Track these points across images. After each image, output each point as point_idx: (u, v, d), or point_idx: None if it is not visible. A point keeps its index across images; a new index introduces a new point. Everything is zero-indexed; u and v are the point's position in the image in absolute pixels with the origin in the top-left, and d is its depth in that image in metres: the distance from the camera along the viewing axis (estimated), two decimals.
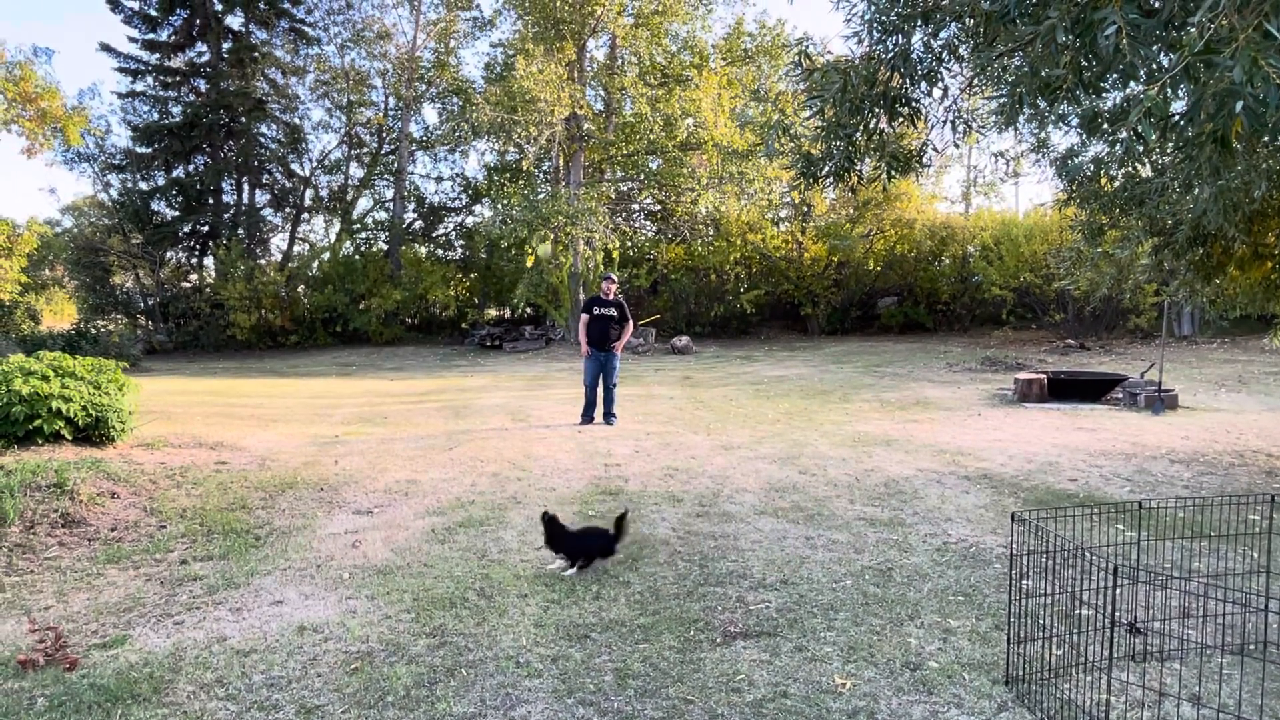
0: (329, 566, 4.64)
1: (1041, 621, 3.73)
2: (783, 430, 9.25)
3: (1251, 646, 3.52)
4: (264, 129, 26.62)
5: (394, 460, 7.57)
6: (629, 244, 25.36)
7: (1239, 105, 2.75)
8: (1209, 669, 3.32)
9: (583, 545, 4.55)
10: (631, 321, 9.97)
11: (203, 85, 25.78)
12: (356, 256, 26.54)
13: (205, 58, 25.82)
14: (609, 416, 9.62)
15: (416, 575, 4.47)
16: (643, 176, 24.59)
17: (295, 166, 28.30)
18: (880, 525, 5.41)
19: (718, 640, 3.64)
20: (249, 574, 4.51)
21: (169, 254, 25.95)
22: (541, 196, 21.43)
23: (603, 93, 23.99)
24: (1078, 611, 3.83)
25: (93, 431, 7.25)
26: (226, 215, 26.01)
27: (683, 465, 7.33)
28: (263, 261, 25.82)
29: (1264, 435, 8.73)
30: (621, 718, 2.97)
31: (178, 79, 25.76)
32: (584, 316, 9.62)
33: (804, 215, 26.62)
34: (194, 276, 26.57)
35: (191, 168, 25.77)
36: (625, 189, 25.81)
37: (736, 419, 10.15)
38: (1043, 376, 11.90)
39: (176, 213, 25.49)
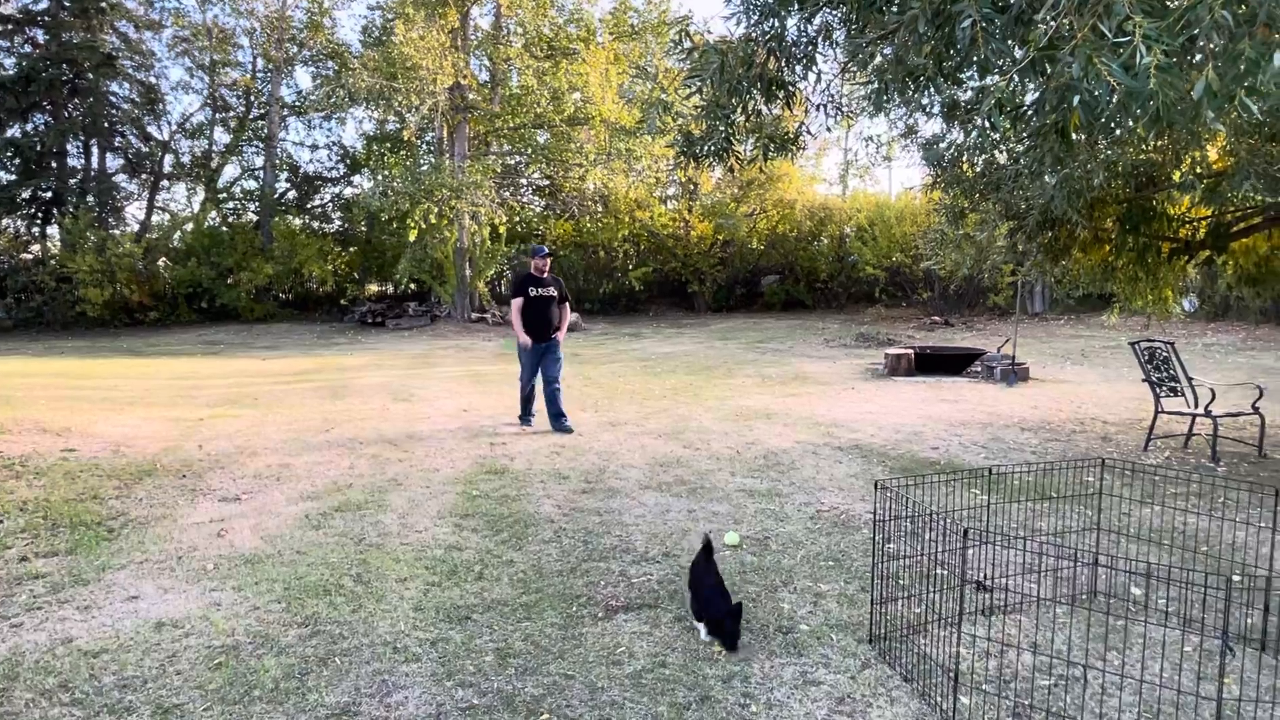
0: (191, 558, 4.39)
1: (902, 582, 3.98)
2: (669, 406, 9.39)
3: (1083, 597, 3.88)
4: (115, 87, 24.49)
5: (265, 444, 7.21)
6: (517, 219, 24.97)
7: (1076, 99, 2.96)
8: (1046, 619, 3.63)
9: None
10: (569, 303, 8.28)
11: (41, 36, 23.40)
12: (223, 228, 24.97)
13: (44, 4, 23.43)
14: (559, 420, 7.86)
15: (288, 563, 4.29)
16: (530, 151, 24.20)
17: (152, 129, 26.23)
18: (759, 496, 5.60)
19: (600, 615, 3.68)
20: (100, 569, 4.20)
21: (5, 222, 23.61)
22: (424, 168, 20.74)
23: (487, 63, 23.39)
24: (935, 572, 4.10)
25: None
26: (73, 181, 23.84)
27: (569, 442, 7.33)
28: (116, 232, 23.85)
29: (1101, 404, 9.57)
30: (501, 697, 2.97)
31: (10, 27, 23.26)
32: (517, 300, 7.82)
33: (690, 194, 26.98)
34: (36, 247, 24.25)
35: (30, 127, 23.42)
36: (512, 163, 25.34)
37: (624, 395, 10.23)
38: (910, 352, 12.58)
39: (13, 176, 23.13)
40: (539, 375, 7.95)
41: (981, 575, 4.00)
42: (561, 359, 8.02)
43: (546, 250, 8.06)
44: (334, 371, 13.30)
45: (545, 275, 7.96)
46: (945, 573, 4.05)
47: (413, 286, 25.71)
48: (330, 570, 4.18)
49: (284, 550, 4.49)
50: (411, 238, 20.67)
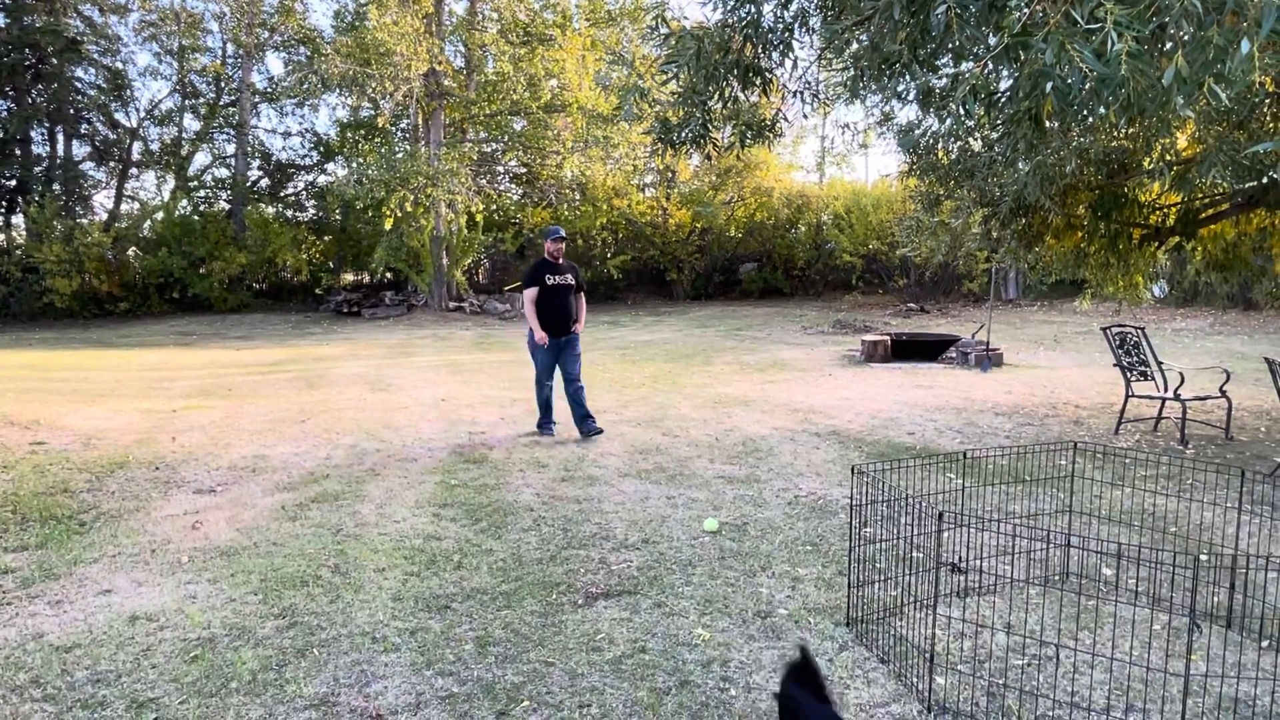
0: (165, 551, 4.33)
1: (878, 566, 4.02)
2: (648, 394, 9.40)
3: (1055, 577, 3.94)
4: (80, 73, 23.91)
5: (240, 435, 7.13)
6: (494, 207, 24.80)
7: (1049, 86, 2.98)
8: (1020, 600, 3.69)
9: None
10: (584, 292, 7.44)
11: (2, 19, 22.81)
12: (195, 216, 24.49)
13: None
14: (586, 422, 7.05)
15: (264, 555, 4.25)
16: (506, 138, 24.01)
17: (120, 116, 25.65)
18: (737, 482, 5.63)
19: (580, 602, 3.68)
20: (71, 563, 4.14)
21: None
22: (399, 156, 20.51)
23: (462, 49, 23.13)
24: (911, 555, 4.15)
25: None
26: (38, 169, 23.29)
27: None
28: (84, 221, 23.32)
29: (1073, 389, 9.71)
30: (481, 685, 2.97)
31: None
32: (531, 290, 6.96)
33: (668, 182, 26.92)
34: (1, 237, 23.70)
35: None
36: (489, 150, 25.13)
37: (603, 384, 10.22)
38: (887, 338, 12.69)
39: None
40: (557, 375, 7.17)
41: (956, 558, 4.06)
42: (580, 355, 7.24)
43: (562, 232, 7.20)
44: (309, 362, 13.16)
45: (561, 261, 7.14)
46: (921, 556, 4.10)
47: (389, 276, 25.46)
48: (307, 561, 4.15)
49: (260, 542, 4.45)
50: (387, 226, 20.45)
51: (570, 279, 7.12)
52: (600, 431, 7.07)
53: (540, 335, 6.88)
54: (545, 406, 7.21)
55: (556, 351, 7.06)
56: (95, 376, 11.16)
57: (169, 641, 3.30)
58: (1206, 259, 8.42)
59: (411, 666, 3.10)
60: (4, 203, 23.68)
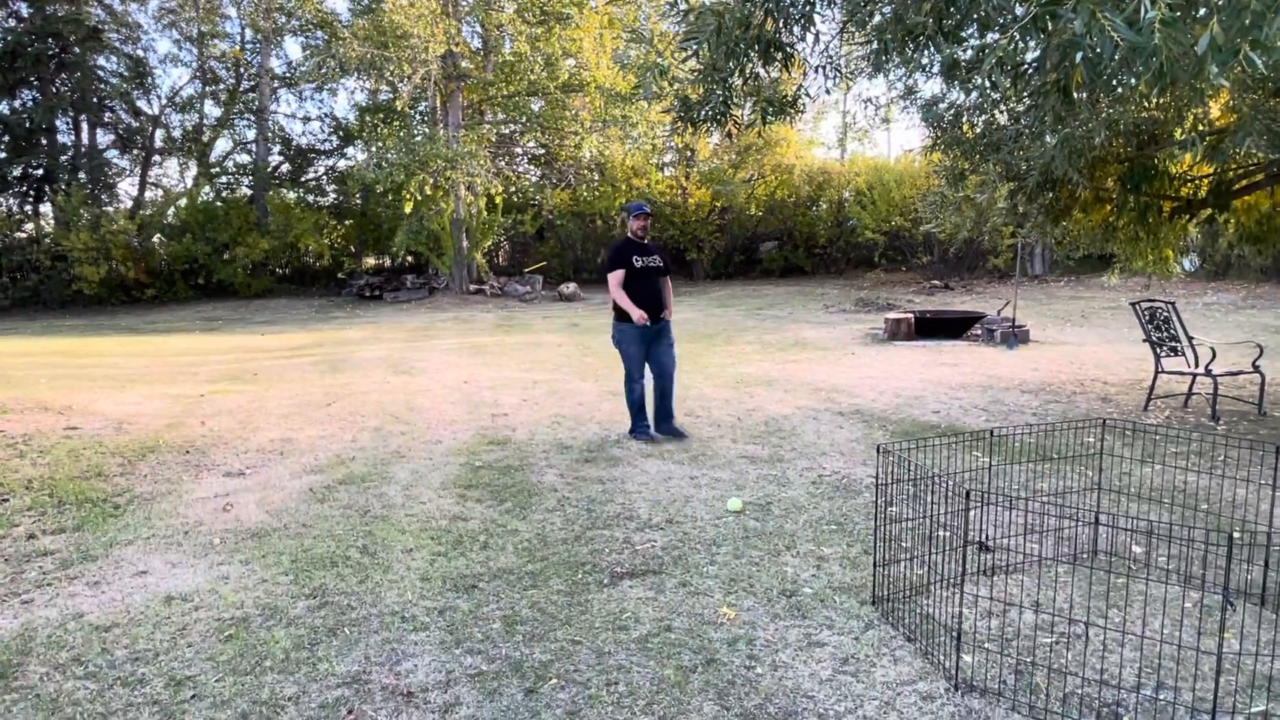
0: (198, 532, 4.42)
1: (904, 544, 4.01)
2: None
3: (1084, 556, 3.91)
4: (102, 61, 24.13)
5: (267, 418, 7.23)
6: (513, 189, 24.78)
7: (1079, 56, 2.92)
8: (1048, 578, 3.66)
9: None
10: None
11: (25, 9, 23.03)
12: (218, 203, 24.73)
13: None
14: (669, 424, 6.44)
15: (294, 536, 4.32)
16: (525, 119, 23.92)
17: (142, 104, 25.89)
18: (761, 462, 5.62)
19: (605, 581, 3.71)
20: (107, 545, 4.23)
21: None
22: (418, 139, 20.52)
23: (479, 29, 23.03)
24: (937, 533, 4.13)
25: None
26: (64, 157, 23.58)
27: (570, 412, 7.35)
28: (110, 209, 23.61)
29: (1101, 365, 9.58)
30: (510, 663, 3.00)
31: None
32: (618, 274, 6.14)
33: (688, 161, 26.73)
34: (29, 226, 24.06)
35: (18, 103, 23.12)
36: (507, 132, 25.08)
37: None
38: (910, 316, 12.57)
39: (3, 154, 22.89)
40: (648, 369, 6.34)
41: (983, 536, 4.03)
42: (674, 342, 6.48)
43: (647, 207, 6.42)
44: (333, 345, 13.29)
45: (647, 240, 6.35)
46: (947, 534, 4.08)
47: (409, 259, 25.56)
48: (336, 542, 4.21)
49: (290, 524, 4.52)
50: (407, 210, 20.51)
51: (659, 260, 6.33)
52: (684, 437, 6.35)
53: (640, 314, 6.05)
54: (638, 409, 6.37)
55: (646, 344, 6.29)
56: (124, 362, 11.35)
57: (204, 621, 3.37)
58: (1240, 231, 8.23)
59: (441, 645, 3.15)
60: (32, 192, 24.03)
